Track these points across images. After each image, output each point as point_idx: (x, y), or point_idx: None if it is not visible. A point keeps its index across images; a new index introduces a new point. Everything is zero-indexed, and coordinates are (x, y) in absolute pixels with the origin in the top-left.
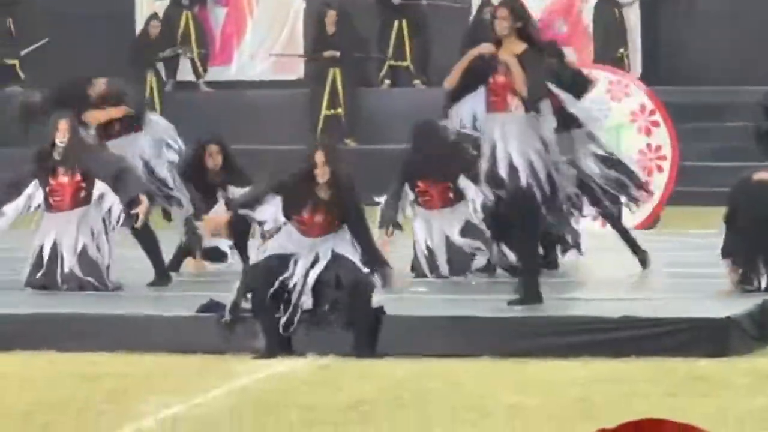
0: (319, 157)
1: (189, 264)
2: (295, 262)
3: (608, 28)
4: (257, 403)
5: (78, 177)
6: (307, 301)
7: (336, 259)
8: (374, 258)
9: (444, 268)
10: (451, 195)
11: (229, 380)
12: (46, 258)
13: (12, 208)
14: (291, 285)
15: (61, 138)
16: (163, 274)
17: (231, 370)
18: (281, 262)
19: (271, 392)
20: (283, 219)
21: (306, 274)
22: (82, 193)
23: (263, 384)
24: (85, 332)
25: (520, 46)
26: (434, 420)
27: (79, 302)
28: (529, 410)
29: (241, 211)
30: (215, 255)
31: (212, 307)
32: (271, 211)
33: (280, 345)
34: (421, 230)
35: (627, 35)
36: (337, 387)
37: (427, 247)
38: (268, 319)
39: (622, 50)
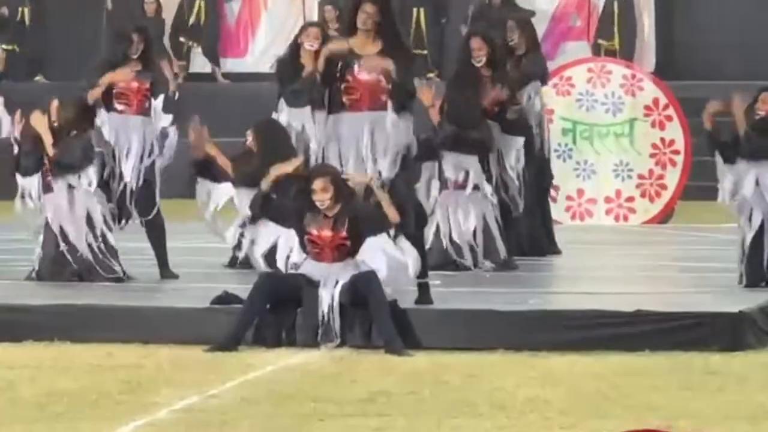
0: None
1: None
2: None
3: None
4: (271, 395)
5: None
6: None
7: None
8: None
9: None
10: None
11: (243, 372)
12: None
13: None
14: (320, 312)
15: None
16: (167, 269)
17: (245, 362)
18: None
19: (285, 384)
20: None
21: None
22: None
23: (277, 376)
24: (98, 324)
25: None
26: (450, 413)
27: (93, 294)
28: (546, 404)
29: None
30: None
31: (226, 299)
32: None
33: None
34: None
35: (636, 28)
36: (352, 379)
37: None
38: (251, 315)
39: (613, 42)
